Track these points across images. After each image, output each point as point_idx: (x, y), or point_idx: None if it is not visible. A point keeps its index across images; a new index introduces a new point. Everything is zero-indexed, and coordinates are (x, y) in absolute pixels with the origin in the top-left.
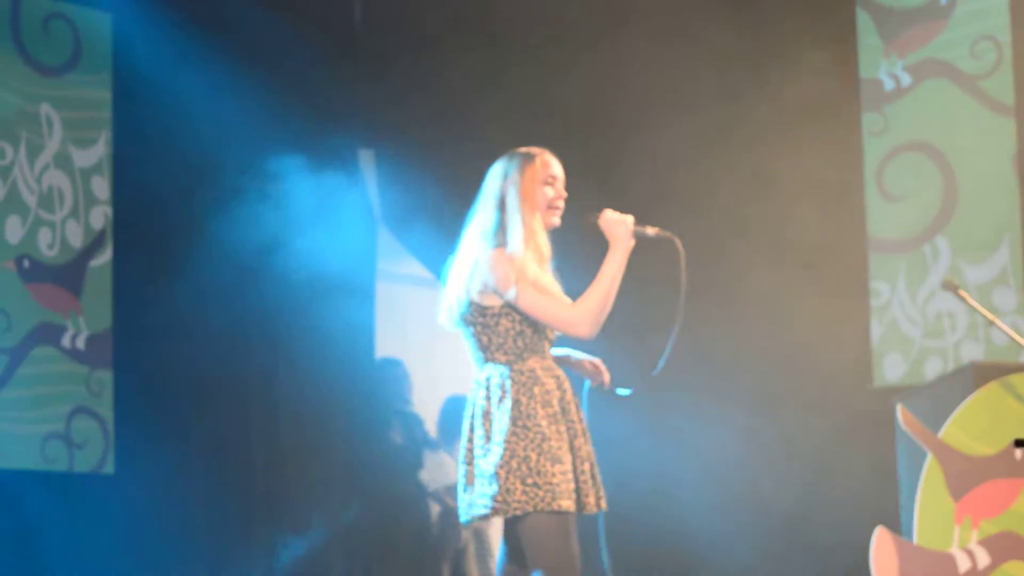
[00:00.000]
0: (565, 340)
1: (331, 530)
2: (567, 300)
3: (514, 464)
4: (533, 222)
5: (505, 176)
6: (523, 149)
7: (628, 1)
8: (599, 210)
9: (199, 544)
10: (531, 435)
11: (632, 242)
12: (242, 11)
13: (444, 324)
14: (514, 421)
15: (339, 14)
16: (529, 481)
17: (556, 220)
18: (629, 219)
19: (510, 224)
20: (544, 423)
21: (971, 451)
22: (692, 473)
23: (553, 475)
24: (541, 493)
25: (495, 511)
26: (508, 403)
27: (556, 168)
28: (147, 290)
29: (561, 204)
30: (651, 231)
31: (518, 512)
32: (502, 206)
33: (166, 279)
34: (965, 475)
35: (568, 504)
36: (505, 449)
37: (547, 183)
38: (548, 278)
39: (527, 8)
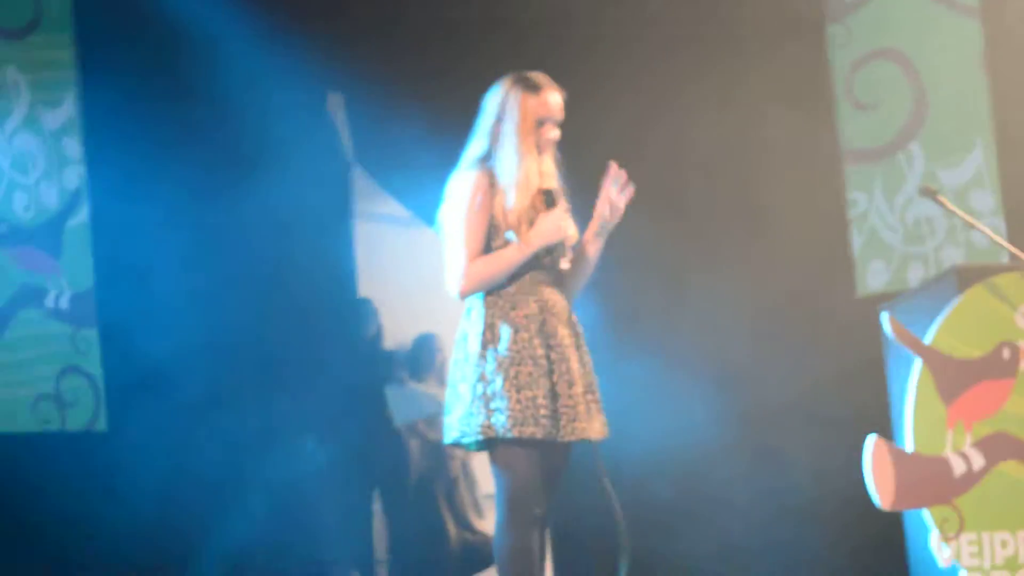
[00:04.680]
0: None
1: (320, 467)
2: (476, 250)
3: (479, 388)
4: (528, 156)
5: (502, 106)
6: (528, 75)
7: None
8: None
9: (193, 497)
10: (499, 359)
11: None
12: None
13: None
14: (483, 345)
15: None
16: (492, 406)
17: (548, 153)
18: (569, 229)
19: (501, 155)
20: (515, 348)
21: (960, 354)
22: (678, 392)
23: (518, 401)
24: (503, 419)
25: (462, 434)
26: (480, 326)
27: (555, 106)
28: (127, 246)
29: (554, 136)
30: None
31: (480, 437)
32: (494, 136)
33: (145, 233)
34: (955, 379)
35: (532, 431)
36: (473, 373)
37: (544, 121)
38: (557, 215)
39: None
